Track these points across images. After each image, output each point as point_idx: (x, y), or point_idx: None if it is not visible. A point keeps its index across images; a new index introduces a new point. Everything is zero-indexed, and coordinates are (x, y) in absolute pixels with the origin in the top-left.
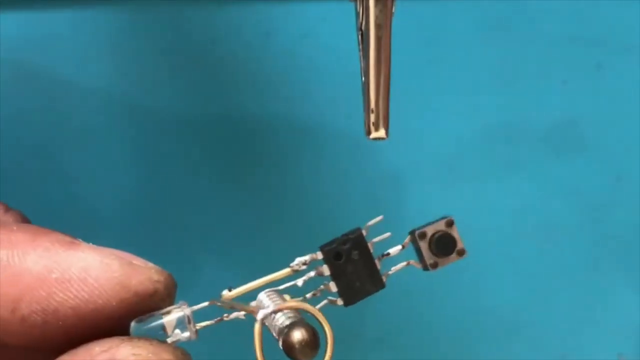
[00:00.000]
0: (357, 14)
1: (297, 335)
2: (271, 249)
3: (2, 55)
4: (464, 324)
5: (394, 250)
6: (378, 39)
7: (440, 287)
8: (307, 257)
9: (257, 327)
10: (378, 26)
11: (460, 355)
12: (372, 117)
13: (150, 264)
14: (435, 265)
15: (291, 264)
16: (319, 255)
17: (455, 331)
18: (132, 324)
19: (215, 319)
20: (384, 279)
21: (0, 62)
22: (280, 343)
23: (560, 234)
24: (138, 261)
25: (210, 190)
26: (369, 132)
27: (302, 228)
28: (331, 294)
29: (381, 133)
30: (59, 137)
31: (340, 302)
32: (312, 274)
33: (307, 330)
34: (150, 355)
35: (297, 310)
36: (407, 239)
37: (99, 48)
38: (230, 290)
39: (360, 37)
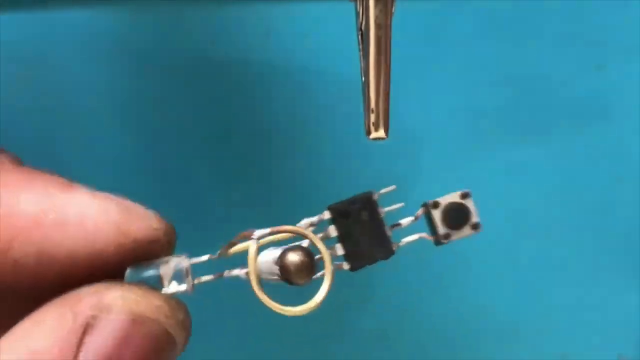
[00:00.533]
0: (357, 13)
1: (293, 257)
2: None
3: (2, 55)
4: (464, 324)
5: (405, 221)
6: (378, 39)
7: (439, 286)
8: (314, 218)
9: (252, 247)
10: (378, 26)
11: (460, 355)
12: (372, 117)
13: (151, 212)
14: (447, 237)
15: (297, 224)
16: (326, 216)
17: (454, 331)
18: (128, 270)
19: (215, 275)
20: (394, 247)
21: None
22: (277, 268)
23: (560, 233)
24: (138, 208)
25: (210, 190)
26: (368, 132)
27: None
28: (337, 258)
29: (381, 133)
30: (59, 137)
31: (346, 266)
32: (319, 235)
33: (303, 253)
34: (139, 299)
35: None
36: (420, 211)
37: (98, 48)
38: (230, 246)
39: (360, 37)
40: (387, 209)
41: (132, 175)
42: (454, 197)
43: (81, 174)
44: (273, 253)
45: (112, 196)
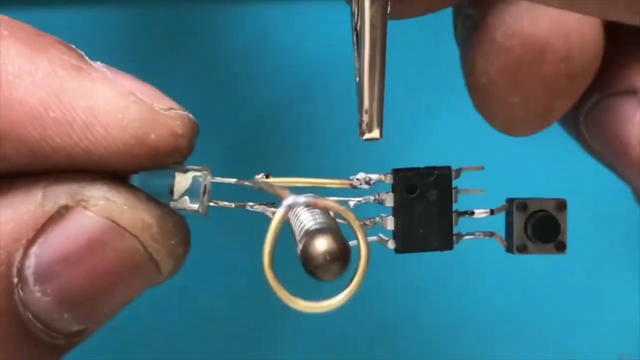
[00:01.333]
0: (352, 14)
1: (322, 243)
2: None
3: None
4: (464, 324)
5: (480, 212)
6: (373, 40)
7: (439, 286)
8: (373, 175)
9: (279, 212)
10: (373, 26)
11: (460, 355)
12: (366, 118)
13: (175, 111)
14: (522, 250)
15: (351, 176)
16: (388, 179)
17: (454, 331)
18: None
19: (237, 203)
20: (455, 240)
21: None
22: (299, 250)
23: None
24: (161, 103)
25: None
26: (362, 133)
27: None
28: (385, 231)
29: (375, 134)
30: None
31: (391, 244)
32: (371, 198)
33: (336, 240)
34: (125, 207)
35: (333, 216)
36: (501, 207)
37: (98, 47)
38: (267, 177)
39: (355, 37)
40: (463, 190)
41: None
42: (547, 204)
43: None
44: (313, 214)
45: (133, 85)
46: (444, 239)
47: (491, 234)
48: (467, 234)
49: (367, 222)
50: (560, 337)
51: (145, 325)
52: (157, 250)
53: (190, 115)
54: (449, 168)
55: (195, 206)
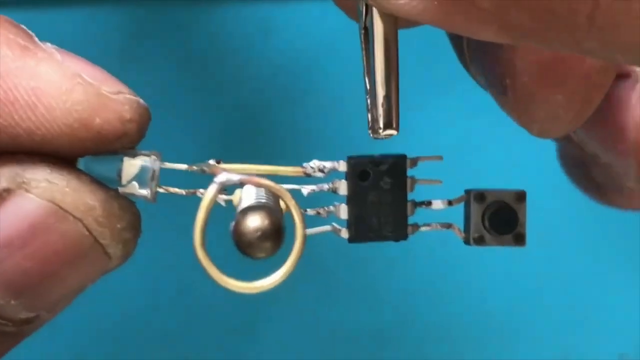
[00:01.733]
0: (360, 12)
1: (253, 220)
2: None
3: None
4: (464, 324)
5: (437, 203)
6: (386, 35)
7: (439, 286)
8: (327, 163)
9: (210, 190)
10: (386, 20)
11: (459, 355)
12: (382, 113)
13: (124, 95)
14: (480, 241)
15: (305, 164)
16: (342, 167)
17: (454, 331)
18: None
19: (188, 190)
20: (409, 230)
21: None
22: (231, 227)
23: (560, 233)
24: (109, 87)
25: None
26: (377, 130)
27: None
28: (339, 220)
29: (393, 131)
30: None
31: (344, 234)
32: (325, 186)
33: (268, 217)
34: (67, 190)
35: (272, 196)
36: (459, 198)
37: (98, 47)
38: (218, 163)
39: (363, 36)
40: (420, 180)
41: None
42: (505, 195)
43: None
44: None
45: (83, 68)
46: (399, 229)
47: (449, 226)
48: (424, 224)
49: (321, 211)
50: (560, 337)
51: (145, 325)
52: (102, 234)
53: (141, 101)
54: (404, 156)
55: (144, 192)
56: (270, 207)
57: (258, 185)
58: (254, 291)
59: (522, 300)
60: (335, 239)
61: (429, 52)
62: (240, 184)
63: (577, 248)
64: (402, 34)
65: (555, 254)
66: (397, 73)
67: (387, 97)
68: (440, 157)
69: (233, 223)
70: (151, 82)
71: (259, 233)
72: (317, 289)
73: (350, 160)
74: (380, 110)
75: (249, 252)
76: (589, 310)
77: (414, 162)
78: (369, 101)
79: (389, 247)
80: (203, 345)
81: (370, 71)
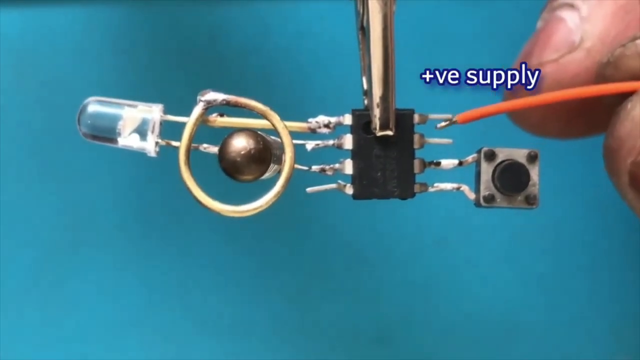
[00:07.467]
0: (358, 12)
1: (238, 141)
2: (270, 250)
3: (2, 54)
4: (464, 324)
5: (447, 162)
6: (383, 31)
7: (439, 286)
8: (332, 118)
9: (196, 108)
10: (384, 16)
11: (459, 356)
12: (379, 113)
13: None
14: (490, 200)
15: (310, 119)
16: (347, 120)
17: (454, 331)
18: (90, 99)
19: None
20: (417, 189)
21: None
22: (217, 151)
23: (560, 233)
24: None
25: (208, 188)
26: (374, 130)
27: (303, 229)
28: (344, 177)
29: (388, 131)
30: (59, 136)
31: (349, 190)
32: (330, 142)
33: (252, 139)
34: None
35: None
36: (471, 158)
37: (98, 46)
38: (221, 116)
39: (361, 36)
40: (430, 140)
41: (131, 173)
42: (517, 153)
43: (79, 170)
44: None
45: None
46: (405, 186)
47: (459, 187)
48: (433, 185)
49: (327, 168)
50: (560, 337)
51: (145, 325)
52: None
53: None
54: (411, 110)
55: (144, 145)
56: (255, 132)
57: (244, 105)
58: (241, 214)
59: (521, 301)
60: (336, 238)
61: (429, 52)
62: (227, 103)
63: (576, 248)
64: (401, 34)
65: (555, 254)
66: (394, 74)
67: (383, 97)
68: (451, 117)
69: (219, 146)
70: (151, 82)
71: (243, 152)
72: (317, 288)
73: (355, 112)
74: (376, 111)
75: (234, 172)
76: (589, 310)
77: (423, 119)
78: (366, 102)
79: (389, 247)
80: (203, 345)
81: (367, 71)
